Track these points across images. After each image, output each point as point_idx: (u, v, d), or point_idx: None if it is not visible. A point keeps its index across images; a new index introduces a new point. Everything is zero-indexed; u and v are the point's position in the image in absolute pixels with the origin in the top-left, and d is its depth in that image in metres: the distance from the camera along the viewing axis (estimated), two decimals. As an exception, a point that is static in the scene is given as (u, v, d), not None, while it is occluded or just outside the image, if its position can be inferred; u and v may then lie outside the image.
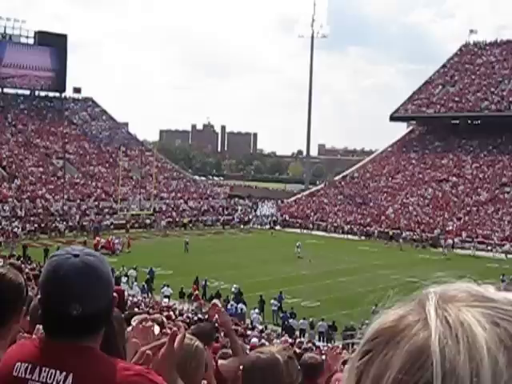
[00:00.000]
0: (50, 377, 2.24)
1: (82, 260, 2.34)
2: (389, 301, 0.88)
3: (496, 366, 0.70)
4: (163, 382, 2.35)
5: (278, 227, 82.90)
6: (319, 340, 33.63)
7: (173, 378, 2.56)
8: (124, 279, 44.92)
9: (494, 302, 0.81)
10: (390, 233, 73.95)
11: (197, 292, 41.39)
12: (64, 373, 2.23)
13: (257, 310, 38.51)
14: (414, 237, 72.14)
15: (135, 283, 44.77)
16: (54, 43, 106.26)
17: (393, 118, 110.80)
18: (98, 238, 60.62)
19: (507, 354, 0.71)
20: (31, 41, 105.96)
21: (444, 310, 0.79)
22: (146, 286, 44.30)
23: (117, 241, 60.56)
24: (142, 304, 33.29)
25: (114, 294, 2.49)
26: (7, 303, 2.98)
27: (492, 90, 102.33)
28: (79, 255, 2.35)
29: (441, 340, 0.75)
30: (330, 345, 28.20)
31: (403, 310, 0.84)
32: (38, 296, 2.45)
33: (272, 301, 40.09)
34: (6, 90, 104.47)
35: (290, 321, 37.03)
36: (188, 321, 23.19)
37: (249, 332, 26.52)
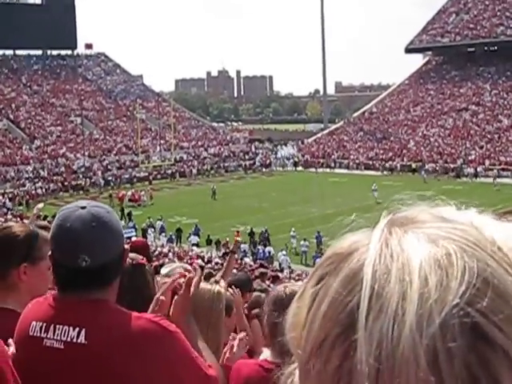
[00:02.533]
0: (64, 334, 2.28)
1: (89, 211, 2.35)
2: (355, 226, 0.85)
3: (425, 287, 0.67)
4: (176, 328, 2.38)
5: (300, 168, 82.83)
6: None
7: (189, 323, 2.58)
8: (150, 230, 45.24)
9: (450, 222, 0.75)
10: (413, 166, 73.78)
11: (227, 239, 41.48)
12: (77, 329, 2.26)
13: (284, 252, 38.64)
14: (437, 168, 71.96)
15: (163, 234, 45.08)
16: (61, 1, 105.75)
17: (408, 50, 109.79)
18: (123, 192, 60.99)
19: (440, 273, 0.67)
20: (39, 1, 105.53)
21: (389, 233, 0.76)
22: (173, 235, 44.67)
23: (142, 193, 60.88)
24: (170, 254, 33.53)
25: (126, 247, 2.51)
26: (10, 255, 3.01)
27: (507, 14, 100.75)
28: (86, 207, 2.37)
29: (375, 262, 0.71)
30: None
31: (358, 235, 0.80)
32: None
33: (302, 242, 40.28)
34: (17, 52, 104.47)
35: (317, 260, 37.16)
36: (216, 267, 23.32)
37: (278, 274, 26.64)
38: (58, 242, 2.36)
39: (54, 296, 2.41)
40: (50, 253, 2.43)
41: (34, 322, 2.35)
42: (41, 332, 2.32)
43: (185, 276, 2.62)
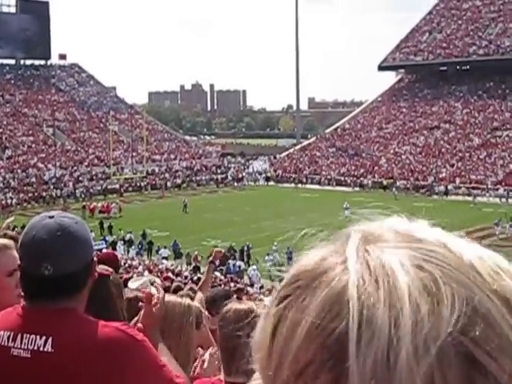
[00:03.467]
0: (31, 343, 2.28)
1: (56, 221, 2.37)
2: (311, 241, 0.82)
3: (417, 315, 0.65)
4: (143, 337, 2.38)
5: (271, 183, 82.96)
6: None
7: (155, 337, 2.58)
8: (120, 243, 45.11)
9: (421, 242, 0.73)
10: (384, 182, 74.12)
11: (196, 253, 41.48)
12: (44, 337, 2.27)
13: (254, 267, 38.66)
14: (408, 185, 72.34)
15: (132, 247, 44.98)
16: (36, 11, 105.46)
17: (381, 68, 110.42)
18: (94, 203, 61.01)
19: (430, 301, 0.66)
20: (13, 9, 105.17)
21: (365, 251, 0.73)
22: (141, 247, 44.65)
23: (113, 205, 60.75)
24: (140, 267, 33.45)
25: (94, 258, 2.52)
26: None
27: (479, 34, 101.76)
28: (54, 216, 2.39)
29: (359, 285, 0.69)
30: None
31: (324, 251, 0.77)
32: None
33: (266, 257, 40.33)
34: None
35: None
36: (186, 281, 23.30)
37: (248, 289, 26.67)
38: (24, 250, 2.38)
39: (22, 306, 2.41)
40: (19, 262, 2.44)
41: (1, 332, 2.35)
42: (8, 341, 2.32)
43: (149, 296, 2.63)
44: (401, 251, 0.71)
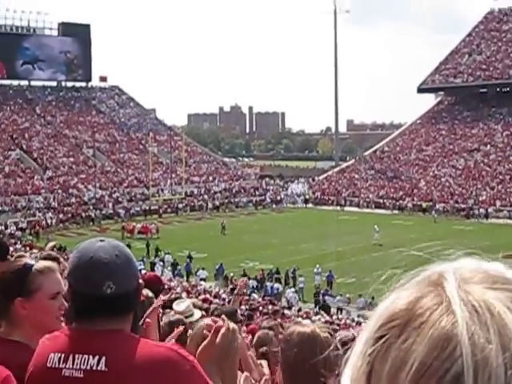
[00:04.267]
0: (84, 362, 2.29)
1: (109, 242, 2.44)
2: (393, 281, 0.84)
3: None
4: (194, 358, 2.39)
5: (310, 205, 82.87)
6: (358, 316, 33.55)
7: (211, 370, 2.59)
8: (159, 264, 45.20)
9: None
10: (424, 205, 73.70)
11: (232, 274, 41.48)
12: (97, 356, 2.28)
13: (293, 289, 38.58)
14: (448, 208, 71.88)
15: (169, 268, 45.04)
16: (77, 33, 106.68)
17: (420, 90, 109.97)
18: (133, 224, 61.34)
19: None
20: (55, 32, 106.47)
21: (467, 292, 0.74)
22: (180, 269, 44.68)
23: (152, 225, 61.01)
24: (178, 288, 33.46)
25: (140, 281, 2.56)
26: (4, 292, 3.05)
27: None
28: (104, 240, 2.46)
29: (468, 327, 0.70)
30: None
31: (417, 291, 0.78)
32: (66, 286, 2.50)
33: (300, 278, 40.24)
34: (32, 83, 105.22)
35: (326, 298, 37.05)
36: (223, 303, 23.28)
37: (286, 311, 26.59)
38: (81, 272, 2.38)
39: (70, 328, 2.45)
40: (67, 286, 2.47)
41: (52, 354, 2.36)
42: (59, 363, 2.33)
43: (213, 326, 2.64)
44: (499, 293, 0.72)
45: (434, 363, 0.68)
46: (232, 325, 3.60)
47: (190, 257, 46.66)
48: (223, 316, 3.12)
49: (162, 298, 2.89)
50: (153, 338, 2.65)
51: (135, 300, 2.48)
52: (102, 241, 2.44)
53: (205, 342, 2.52)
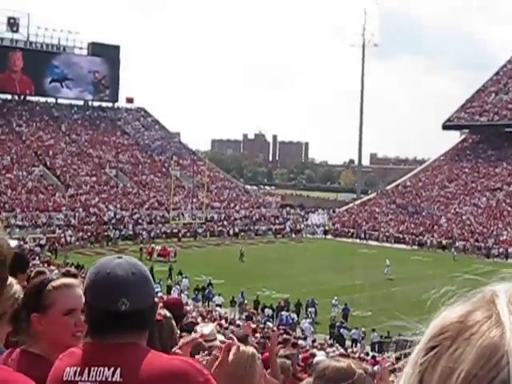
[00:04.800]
0: (99, 374, 2.32)
1: (126, 260, 2.47)
2: (446, 299, 0.89)
3: None
4: (208, 372, 2.41)
5: (329, 236, 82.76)
6: (371, 350, 33.35)
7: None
8: (175, 288, 45.14)
9: None
10: (443, 242, 73.37)
11: (246, 302, 41.39)
12: (112, 368, 2.30)
13: (309, 320, 38.39)
14: (468, 246, 71.52)
15: (186, 292, 44.95)
16: (106, 54, 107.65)
17: (445, 127, 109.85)
18: (152, 246, 61.40)
19: None
20: (85, 52, 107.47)
21: None
22: (197, 294, 44.55)
23: (171, 249, 61.05)
24: (194, 313, 33.39)
25: (156, 300, 2.58)
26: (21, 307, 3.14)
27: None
28: (122, 257, 2.49)
29: None
30: (383, 356, 28.05)
31: (469, 306, 0.83)
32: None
33: (309, 309, 40.08)
34: (60, 101, 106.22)
35: (341, 330, 36.84)
36: (238, 329, 23.18)
37: (300, 341, 26.40)
38: (97, 288, 2.41)
39: (85, 343, 2.47)
40: (83, 301, 2.48)
41: (67, 368, 2.39)
42: (75, 376, 2.36)
43: (226, 344, 2.63)
44: None
45: (481, 372, 0.72)
46: (251, 349, 3.57)
47: (210, 283, 46.52)
48: (231, 335, 3.10)
49: (198, 334, 2.87)
50: None
51: (150, 318, 2.49)
52: (119, 258, 2.47)
53: (217, 362, 2.52)
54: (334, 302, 41.22)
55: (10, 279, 2.95)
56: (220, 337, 3.73)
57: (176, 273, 49.57)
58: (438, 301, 0.92)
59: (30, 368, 2.55)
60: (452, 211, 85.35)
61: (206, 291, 45.01)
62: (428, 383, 0.78)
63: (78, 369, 2.36)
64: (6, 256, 1.93)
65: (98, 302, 2.39)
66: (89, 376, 2.33)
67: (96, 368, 2.32)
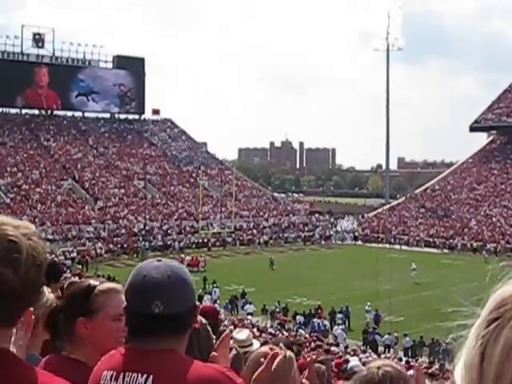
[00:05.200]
0: (132, 381, 2.34)
1: (165, 263, 2.47)
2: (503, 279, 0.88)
3: None
4: (242, 381, 2.41)
5: (359, 242, 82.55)
6: (404, 356, 33.19)
7: None
8: (207, 297, 45.16)
9: None
10: (474, 245, 72.93)
11: (277, 310, 41.46)
12: (145, 375, 2.32)
13: (341, 327, 38.26)
14: (499, 248, 71.03)
15: (218, 301, 44.97)
16: (132, 67, 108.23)
17: (473, 129, 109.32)
18: (182, 256, 61.52)
19: None
20: (110, 65, 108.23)
21: None
22: (228, 303, 44.56)
23: (201, 258, 61.15)
24: (226, 321, 33.42)
25: (197, 303, 2.56)
26: (61, 312, 3.17)
27: None
28: (161, 260, 2.49)
29: None
30: (417, 360, 27.96)
31: None
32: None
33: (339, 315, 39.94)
34: (86, 114, 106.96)
35: (374, 336, 36.69)
36: (270, 337, 23.18)
37: (333, 348, 26.35)
38: (134, 290, 2.43)
39: (124, 347, 2.48)
40: (124, 305, 2.49)
41: (105, 372, 2.42)
42: (111, 380, 2.39)
43: (269, 353, 2.63)
44: None
45: None
46: (289, 353, 3.58)
47: (244, 293, 46.54)
48: (281, 344, 3.10)
49: (227, 331, 2.89)
50: None
51: (188, 321, 2.47)
52: (159, 261, 2.48)
53: (260, 369, 2.52)
54: (366, 307, 41.13)
55: (43, 287, 2.97)
56: (256, 342, 3.75)
57: (210, 283, 49.67)
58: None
59: (68, 374, 2.57)
60: (482, 213, 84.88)
61: (242, 301, 45.03)
62: (490, 355, 0.78)
63: (114, 373, 2.39)
64: (41, 261, 1.95)
65: (134, 305, 2.41)
66: (123, 381, 2.35)
67: (130, 374, 2.34)
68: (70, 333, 3.11)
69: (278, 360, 2.55)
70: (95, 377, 2.47)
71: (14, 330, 2.01)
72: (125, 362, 2.40)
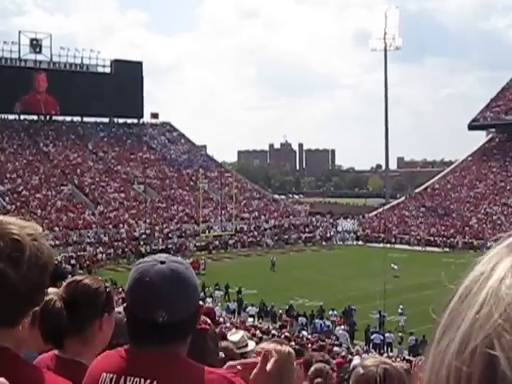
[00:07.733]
0: None
1: (169, 266, 2.32)
2: None
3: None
4: None
5: (360, 242, 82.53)
6: (409, 354, 33.19)
7: None
8: (208, 300, 45.12)
9: None
10: (475, 243, 72.88)
11: (280, 311, 41.43)
12: (148, 380, 2.25)
13: (343, 327, 38.24)
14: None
15: (219, 304, 44.95)
16: (129, 71, 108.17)
17: (471, 127, 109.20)
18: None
19: None
20: (108, 69, 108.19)
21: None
22: (230, 305, 44.57)
23: (202, 261, 61.12)
24: (227, 323, 33.39)
25: (201, 303, 2.49)
26: (83, 307, 3.05)
27: None
28: (165, 262, 2.34)
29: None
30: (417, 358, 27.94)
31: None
32: (124, 304, 2.46)
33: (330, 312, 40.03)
34: (85, 119, 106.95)
35: (376, 336, 36.68)
36: (273, 339, 23.15)
37: (335, 348, 26.35)
38: (136, 296, 2.32)
39: (125, 349, 2.38)
40: (125, 305, 2.43)
41: (104, 374, 2.34)
42: (111, 383, 2.31)
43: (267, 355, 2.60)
44: None
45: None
46: (288, 348, 3.56)
47: (239, 291, 46.58)
48: (277, 339, 3.08)
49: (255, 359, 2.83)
50: None
51: (191, 326, 2.38)
52: (162, 262, 2.33)
53: (255, 370, 2.49)
54: (399, 311, 41.16)
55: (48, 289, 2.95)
56: (251, 343, 3.73)
57: (209, 285, 49.63)
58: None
59: (71, 374, 2.53)
60: (482, 211, 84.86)
61: (240, 302, 44.98)
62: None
63: (114, 376, 2.30)
64: (46, 262, 1.94)
65: (136, 311, 2.32)
66: None
67: (132, 378, 2.26)
68: (84, 330, 3.05)
69: (273, 360, 2.53)
70: (93, 378, 2.39)
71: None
72: (126, 366, 2.32)
